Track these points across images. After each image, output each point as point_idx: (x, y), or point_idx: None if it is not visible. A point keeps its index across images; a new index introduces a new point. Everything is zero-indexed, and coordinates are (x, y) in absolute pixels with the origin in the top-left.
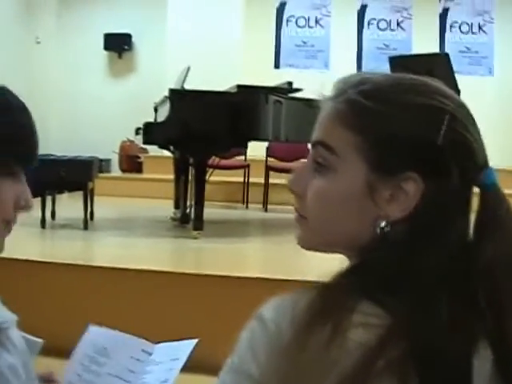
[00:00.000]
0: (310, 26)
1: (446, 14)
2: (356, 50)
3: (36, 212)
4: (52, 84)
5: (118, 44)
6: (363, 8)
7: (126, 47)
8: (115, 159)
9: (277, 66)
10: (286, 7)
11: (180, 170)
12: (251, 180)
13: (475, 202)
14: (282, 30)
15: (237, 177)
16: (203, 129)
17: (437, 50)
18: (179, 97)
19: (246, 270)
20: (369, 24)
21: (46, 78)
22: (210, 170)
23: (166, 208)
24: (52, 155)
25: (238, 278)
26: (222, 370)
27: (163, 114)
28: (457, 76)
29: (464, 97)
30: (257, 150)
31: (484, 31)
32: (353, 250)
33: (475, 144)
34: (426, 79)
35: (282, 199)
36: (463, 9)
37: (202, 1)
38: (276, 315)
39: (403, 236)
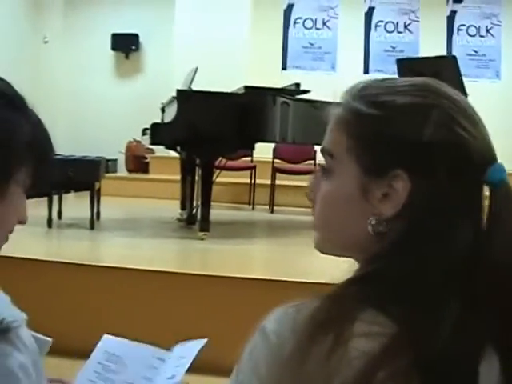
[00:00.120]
0: (317, 28)
1: (454, 17)
2: (363, 52)
3: (43, 211)
4: (59, 84)
5: (126, 44)
6: (370, 10)
7: (133, 47)
8: (121, 159)
9: (284, 67)
10: (294, 9)
11: (187, 170)
12: (258, 181)
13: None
14: (289, 31)
15: (243, 178)
16: (210, 130)
17: (444, 52)
18: (187, 97)
19: (251, 271)
20: (376, 26)
21: (53, 77)
22: (217, 171)
23: (172, 209)
24: (59, 155)
25: (244, 279)
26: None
27: (170, 114)
28: (464, 79)
29: (471, 100)
30: (263, 151)
31: (491, 34)
32: (358, 253)
33: (471, 140)
34: (424, 79)
35: (288, 201)
36: (471, 12)
37: (209, 2)
38: (277, 327)
39: (399, 235)
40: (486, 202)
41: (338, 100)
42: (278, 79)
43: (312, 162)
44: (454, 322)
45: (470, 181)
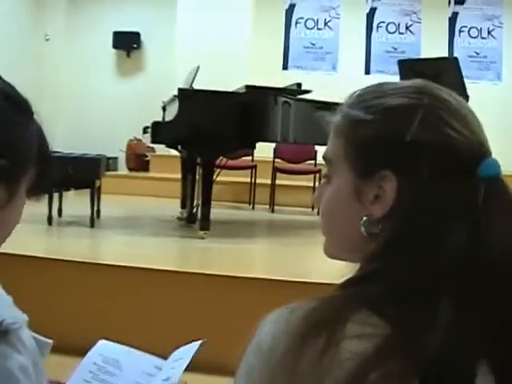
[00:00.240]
0: (318, 28)
1: (456, 19)
2: (364, 52)
3: (43, 209)
4: (60, 81)
5: (127, 42)
6: (372, 11)
7: (134, 46)
8: (122, 157)
9: (285, 67)
10: (295, 9)
11: (187, 169)
12: (258, 181)
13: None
14: (291, 31)
15: (244, 177)
16: (211, 129)
17: (445, 54)
18: (188, 96)
19: (251, 270)
20: (378, 27)
21: (55, 75)
22: (218, 170)
23: (172, 207)
24: (59, 152)
25: (244, 278)
26: None
27: (171, 113)
28: (465, 81)
29: (472, 102)
30: (264, 150)
31: (493, 36)
32: (357, 255)
33: (461, 139)
34: (417, 82)
35: (288, 200)
36: (472, 13)
37: (211, 1)
38: (271, 329)
39: (391, 235)
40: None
41: (340, 100)
42: (280, 79)
43: (313, 162)
44: (448, 323)
45: (460, 179)
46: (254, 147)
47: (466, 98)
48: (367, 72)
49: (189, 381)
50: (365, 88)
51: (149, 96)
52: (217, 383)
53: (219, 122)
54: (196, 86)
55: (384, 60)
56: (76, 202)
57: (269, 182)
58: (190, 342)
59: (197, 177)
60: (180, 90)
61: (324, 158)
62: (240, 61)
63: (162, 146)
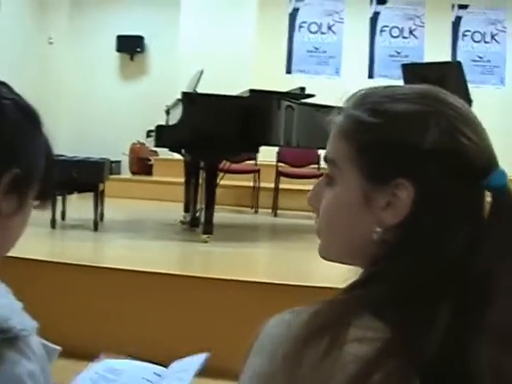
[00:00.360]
0: (322, 32)
1: (459, 23)
2: (368, 56)
3: (46, 212)
4: (64, 85)
5: (131, 46)
6: (376, 15)
7: (138, 49)
8: (125, 161)
9: (288, 71)
10: (299, 13)
11: (190, 173)
12: (261, 185)
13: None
14: (294, 35)
15: (247, 181)
16: (215, 132)
17: (449, 58)
18: (192, 100)
19: (254, 274)
20: (381, 31)
21: (58, 78)
22: (221, 174)
23: (175, 211)
24: (63, 156)
25: (247, 282)
26: None
27: (175, 117)
28: (468, 85)
29: (475, 106)
30: (267, 154)
31: (496, 40)
32: (361, 260)
33: (473, 147)
34: (426, 87)
35: (291, 205)
36: (476, 18)
37: (215, 5)
38: (273, 333)
39: (401, 243)
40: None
41: (341, 105)
42: (283, 83)
43: (316, 166)
44: (447, 325)
45: (471, 187)
46: (258, 151)
47: (469, 102)
48: (370, 76)
49: None
50: (369, 90)
51: (152, 100)
52: None
53: (223, 126)
54: (199, 90)
55: (387, 64)
56: (79, 206)
57: (272, 186)
58: (193, 345)
59: (200, 180)
60: (184, 93)
61: (326, 158)
62: (243, 64)
63: (166, 150)
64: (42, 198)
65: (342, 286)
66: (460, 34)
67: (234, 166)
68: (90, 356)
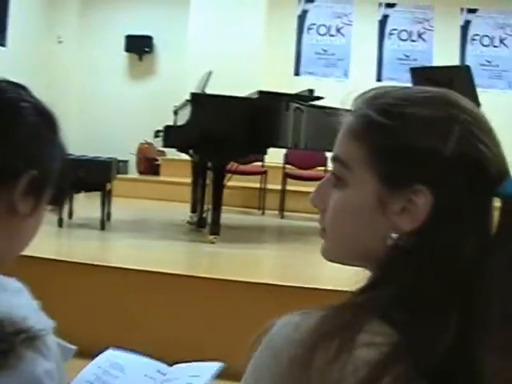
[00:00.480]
0: (330, 35)
1: (468, 27)
2: (376, 59)
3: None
4: (72, 84)
5: (139, 46)
6: (385, 18)
7: (146, 49)
8: (133, 161)
9: (296, 73)
10: (308, 15)
11: (198, 173)
12: (268, 186)
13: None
14: (303, 37)
15: (254, 183)
16: (223, 133)
17: (457, 62)
18: (200, 101)
19: (260, 276)
20: (390, 34)
21: (67, 77)
22: (228, 175)
23: (182, 211)
24: (71, 155)
25: (253, 283)
26: None
27: (183, 117)
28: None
29: (483, 110)
30: (274, 156)
31: (505, 45)
32: (370, 264)
33: (489, 155)
34: (442, 91)
35: (298, 206)
36: (485, 21)
37: (223, 6)
38: (281, 335)
39: (414, 249)
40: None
41: (347, 107)
42: (291, 85)
43: (323, 168)
44: (454, 333)
45: (485, 194)
46: (266, 153)
47: (478, 106)
48: (379, 79)
49: None
50: (380, 89)
51: (160, 100)
52: None
53: (231, 127)
54: (208, 91)
55: (396, 67)
56: (87, 205)
57: (279, 187)
58: (198, 345)
59: (207, 181)
60: (192, 94)
61: (335, 158)
62: (252, 66)
63: (173, 150)
64: (56, 201)
65: (352, 288)
66: (469, 38)
67: (242, 168)
68: (94, 355)
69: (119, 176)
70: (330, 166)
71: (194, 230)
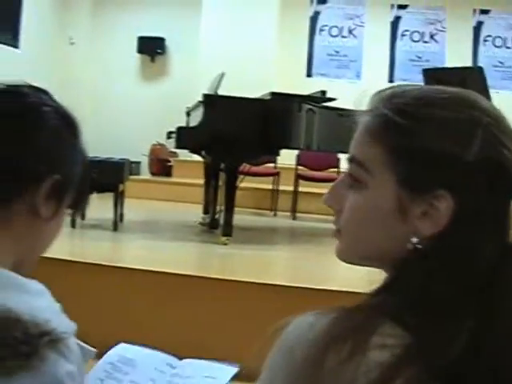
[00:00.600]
0: (342, 36)
1: (480, 28)
2: (388, 61)
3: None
4: (84, 85)
5: (152, 47)
6: (397, 19)
7: (159, 51)
8: (145, 162)
9: (309, 74)
10: (320, 16)
11: (210, 175)
12: (280, 188)
13: None
14: (315, 39)
15: (266, 184)
16: (236, 135)
17: (470, 63)
18: (213, 102)
19: (273, 277)
20: (402, 35)
21: (79, 78)
22: (241, 176)
23: (194, 212)
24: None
25: (265, 284)
26: None
27: (196, 118)
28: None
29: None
30: (287, 157)
31: None
32: (386, 265)
33: (509, 156)
34: (461, 91)
35: (310, 208)
36: (497, 22)
37: (236, 8)
38: (295, 335)
39: (433, 253)
40: None
41: (361, 106)
42: (303, 86)
43: (335, 169)
44: (470, 337)
45: (505, 197)
46: (278, 154)
47: None
48: (391, 80)
49: None
50: (397, 89)
51: (172, 101)
52: None
53: (244, 128)
54: (220, 92)
55: (408, 69)
56: (99, 206)
57: (291, 189)
58: (210, 346)
59: (220, 182)
60: (205, 95)
61: (353, 159)
62: (264, 67)
63: (185, 152)
64: (76, 206)
65: (364, 289)
66: (481, 39)
67: (254, 169)
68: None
69: (131, 177)
70: (342, 167)
71: (206, 232)
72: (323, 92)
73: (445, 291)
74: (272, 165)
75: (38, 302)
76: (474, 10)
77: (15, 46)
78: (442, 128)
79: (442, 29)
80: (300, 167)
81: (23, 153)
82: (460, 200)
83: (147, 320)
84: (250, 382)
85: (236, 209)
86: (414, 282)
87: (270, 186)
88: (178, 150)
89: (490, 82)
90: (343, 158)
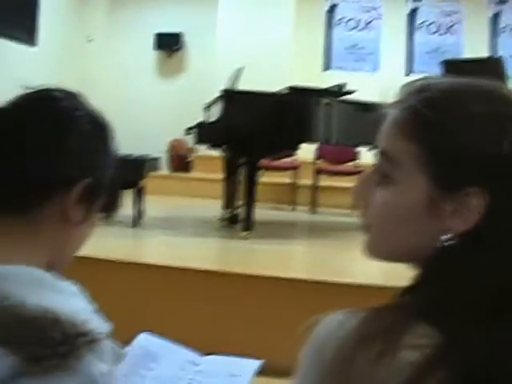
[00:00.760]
0: (360, 29)
1: (498, 18)
2: (406, 53)
3: None
4: (102, 82)
5: (169, 43)
6: (413, 11)
7: (176, 47)
8: (164, 158)
9: (326, 68)
10: (337, 9)
11: (230, 170)
12: (300, 182)
13: None
14: (332, 32)
15: (285, 178)
16: (255, 129)
17: (488, 54)
18: (232, 97)
19: (293, 271)
20: (419, 27)
21: (96, 76)
22: (260, 171)
23: (214, 208)
24: None
25: (285, 279)
26: None
27: (215, 114)
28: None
29: None
30: (306, 151)
31: None
32: (416, 262)
33: None
34: (490, 84)
35: (330, 202)
36: None
37: (252, 2)
38: (325, 334)
39: (464, 251)
40: None
41: (388, 99)
42: (321, 80)
43: (354, 163)
44: (504, 339)
45: None
46: (298, 148)
47: None
48: (409, 73)
49: None
50: (428, 81)
51: (190, 97)
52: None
53: (263, 123)
54: (238, 87)
55: (426, 61)
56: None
57: (310, 183)
58: (231, 341)
59: (240, 177)
60: (224, 90)
61: (382, 153)
62: (281, 61)
63: (204, 147)
64: (107, 210)
65: (385, 283)
66: (499, 29)
67: (273, 163)
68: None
69: (151, 173)
70: (361, 160)
71: (226, 227)
72: (342, 85)
73: (476, 290)
74: (291, 159)
75: (74, 303)
76: (491, 0)
77: (32, 45)
78: (474, 123)
79: (458, 20)
80: (319, 161)
81: (55, 157)
82: (492, 197)
83: (168, 316)
84: (273, 376)
85: (256, 203)
86: (445, 280)
87: (289, 180)
88: (196, 146)
89: (509, 72)
90: (362, 152)
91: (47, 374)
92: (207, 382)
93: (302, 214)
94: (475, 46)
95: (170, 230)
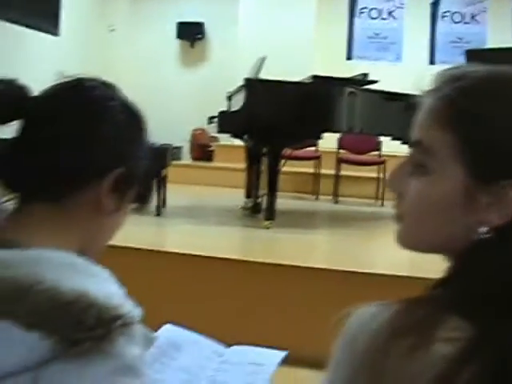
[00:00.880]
0: (382, 18)
1: None
2: (429, 42)
3: None
4: (125, 72)
5: (191, 33)
6: (437, 0)
7: (198, 36)
8: (186, 147)
9: (349, 57)
10: None
11: (252, 159)
12: (322, 171)
13: None
14: (355, 21)
15: (307, 168)
16: (278, 119)
17: None
18: (255, 86)
19: (315, 260)
20: (442, 16)
21: (118, 65)
22: (283, 160)
23: (236, 197)
24: None
25: (308, 268)
26: None
27: (238, 103)
28: None
29: None
30: (328, 141)
31: None
32: (450, 253)
33: None
34: None
35: (352, 191)
36: None
37: None
38: (357, 327)
39: (500, 244)
40: None
41: (422, 87)
42: (343, 69)
43: (377, 152)
44: None
45: None
46: (321, 137)
47: None
48: (431, 62)
49: None
50: (463, 69)
51: (212, 86)
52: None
53: (286, 112)
54: (261, 77)
55: (449, 50)
56: None
57: (333, 172)
58: (255, 331)
59: (262, 167)
60: (246, 79)
61: (417, 143)
62: (303, 51)
63: (226, 136)
64: (140, 201)
65: (409, 273)
66: None
67: (295, 153)
68: None
69: (173, 162)
70: (383, 150)
71: (248, 216)
72: (365, 74)
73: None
74: (313, 148)
75: (107, 287)
76: None
77: (55, 34)
78: (511, 113)
79: (483, 9)
80: (341, 150)
81: (88, 146)
82: None
83: (192, 305)
84: (297, 366)
85: (278, 193)
86: (479, 273)
87: (312, 170)
88: (218, 135)
89: None
90: (385, 141)
91: (81, 358)
92: (231, 372)
93: (324, 204)
94: (499, 36)
95: (193, 219)
